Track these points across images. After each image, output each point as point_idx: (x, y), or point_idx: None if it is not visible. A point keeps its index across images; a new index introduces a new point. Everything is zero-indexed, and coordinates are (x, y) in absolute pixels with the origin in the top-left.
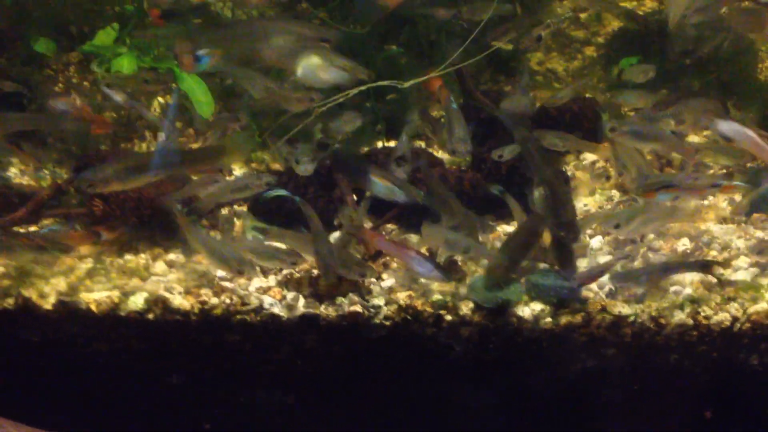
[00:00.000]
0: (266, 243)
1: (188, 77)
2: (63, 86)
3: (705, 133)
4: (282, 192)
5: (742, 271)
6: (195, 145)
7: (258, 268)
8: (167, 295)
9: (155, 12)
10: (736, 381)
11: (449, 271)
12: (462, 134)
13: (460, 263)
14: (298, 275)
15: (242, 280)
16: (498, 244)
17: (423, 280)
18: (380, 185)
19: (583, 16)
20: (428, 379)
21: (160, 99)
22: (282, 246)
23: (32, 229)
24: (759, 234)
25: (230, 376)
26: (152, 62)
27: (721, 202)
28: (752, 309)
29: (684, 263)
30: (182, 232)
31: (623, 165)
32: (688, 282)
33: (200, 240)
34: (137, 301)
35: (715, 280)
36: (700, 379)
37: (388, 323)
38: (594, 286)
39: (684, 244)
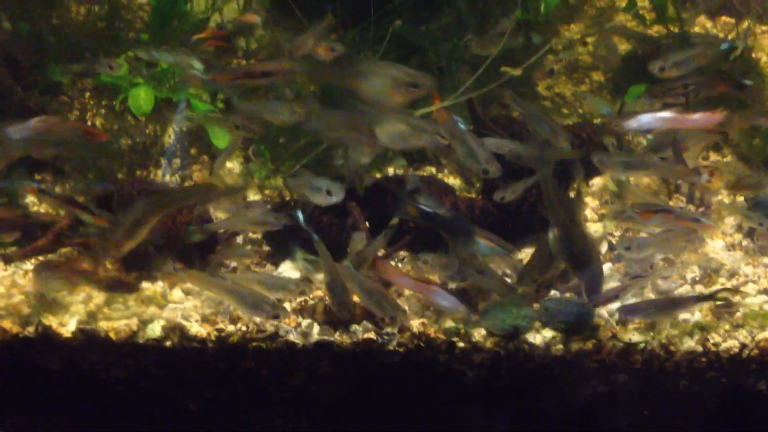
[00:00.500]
0: (274, 275)
1: (203, 107)
2: (79, 113)
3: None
4: (300, 221)
5: (750, 298)
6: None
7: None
8: (184, 322)
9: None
10: (744, 406)
11: (471, 303)
12: (485, 153)
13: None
14: (312, 302)
15: None
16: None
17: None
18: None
19: (590, 39)
20: (440, 405)
21: (174, 126)
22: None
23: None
24: (766, 261)
25: (246, 402)
26: (168, 93)
27: (728, 227)
28: (761, 336)
29: (693, 297)
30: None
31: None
32: (696, 309)
33: (225, 289)
34: (155, 329)
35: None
36: (708, 404)
37: (401, 350)
38: (605, 313)
39: (693, 272)
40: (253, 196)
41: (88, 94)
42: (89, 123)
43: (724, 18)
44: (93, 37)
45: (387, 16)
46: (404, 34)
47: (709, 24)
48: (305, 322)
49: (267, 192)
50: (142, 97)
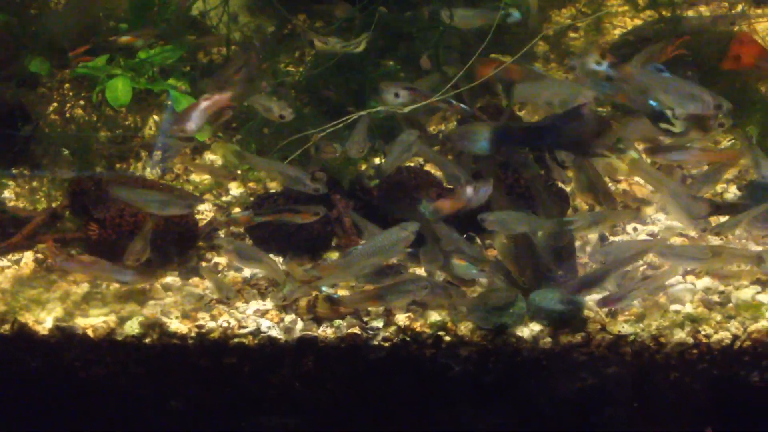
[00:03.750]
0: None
1: (185, 99)
2: (58, 105)
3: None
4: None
5: (743, 289)
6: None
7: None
8: (164, 319)
9: (79, 50)
10: (737, 398)
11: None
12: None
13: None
14: (296, 297)
15: (240, 303)
16: None
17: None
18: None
19: (581, 25)
20: (427, 400)
21: (155, 117)
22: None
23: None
24: (757, 249)
25: (229, 401)
26: (147, 84)
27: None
28: (753, 327)
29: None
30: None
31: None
32: (688, 300)
33: None
34: (133, 326)
35: (714, 299)
36: (700, 397)
37: (387, 345)
38: (593, 305)
39: None
40: (236, 189)
41: (67, 86)
42: (68, 116)
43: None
44: (72, 27)
45: (373, 3)
46: (390, 21)
47: (703, 8)
48: (288, 318)
49: (251, 185)
50: (119, 89)
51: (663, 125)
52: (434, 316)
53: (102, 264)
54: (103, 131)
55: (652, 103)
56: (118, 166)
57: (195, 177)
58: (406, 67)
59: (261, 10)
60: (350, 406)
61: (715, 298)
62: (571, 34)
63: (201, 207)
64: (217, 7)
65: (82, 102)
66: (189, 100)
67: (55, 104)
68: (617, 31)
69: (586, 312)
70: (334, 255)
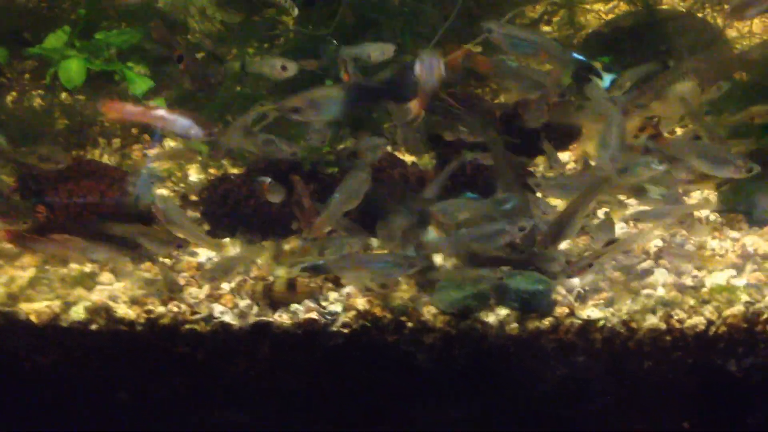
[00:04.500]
0: None
1: (141, 81)
2: (17, 94)
3: None
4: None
5: (717, 273)
6: None
7: None
8: (111, 304)
9: None
10: (714, 388)
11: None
12: None
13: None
14: (252, 282)
15: (193, 288)
16: None
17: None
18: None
19: (555, 19)
20: (391, 389)
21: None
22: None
23: None
24: (734, 234)
25: (182, 392)
26: (102, 65)
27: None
28: (728, 312)
29: None
30: None
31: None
32: (660, 284)
33: None
34: (79, 311)
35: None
36: (676, 387)
37: (346, 331)
38: (562, 289)
39: (656, 245)
40: (195, 175)
41: (27, 76)
42: (26, 104)
43: None
44: (31, 14)
45: None
46: (357, 7)
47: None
48: (243, 303)
49: (211, 171)
50: (73, 69)
51: (591, 77)
52: (396, 300)
53: (76, 242)
54: (62, 119)
55: (575, 55)
56: (74, 153)
57: (154, 164)
58: None
59: (228, 2)
60: (309, 397)
61: (689, 281)
62: (545, 28)
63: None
64: None
65: (41, 91)
66: (145, 82)
67: (15, 93)
68: (591, 25)
69: (553, 295)
70: (295, 242)
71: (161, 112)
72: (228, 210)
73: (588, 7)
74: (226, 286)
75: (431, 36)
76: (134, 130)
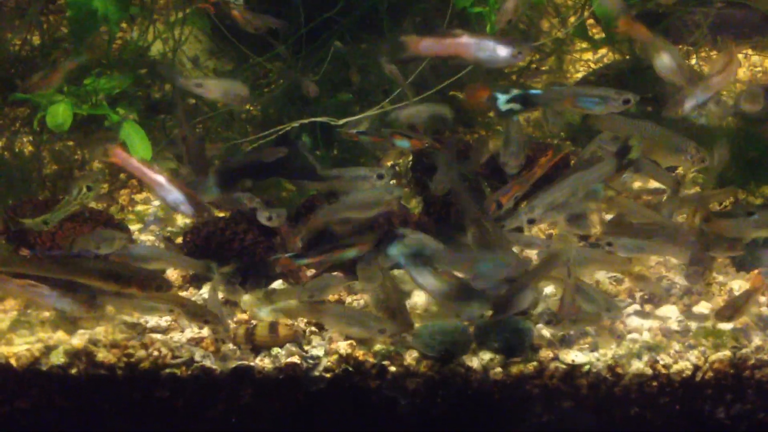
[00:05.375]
0: None
1: (127, 125)
2: (7, 140)
3: None
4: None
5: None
6: None
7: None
8: (92, 347)
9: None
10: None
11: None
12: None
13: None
14: (234, 326)
15: (175, 333)
16: None
17: None
18: None
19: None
20: None
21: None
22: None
23: None
24: (720, 279)
25: None
26: (90, 110)
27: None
28: (714, 357)
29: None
30: None
31: None
32: (645, 328)
33: None
34: (59, 355)
35: (674, 328)
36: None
37: (328, 375)
38: (546, 333)
39: (641, 290)
40: (181, 219)
41: (18, 124)
42: (17, 150)
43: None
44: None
45: (328, 37)
46: (344, 55)
47: None
48: (225, 347)
49: None
50: (60, 114)
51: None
52: (378, 345)
53: (40, 288)
54: (51, 164)
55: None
56: (61, 197)
57: (140, 207)
58: (361, 99)
59: (221, 52)
60: None
61: (674, 326)
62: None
63: (144, 238)
64: (174, 50)
65: (31, 137)
66: (134, 128)
67: (5, 140)
68: (579, 74)
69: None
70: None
71: (161, 178)
72: (210, 253)
73: (577, 56)
74: (206, 330)
75: (419, 83)
76: (122, 175)
